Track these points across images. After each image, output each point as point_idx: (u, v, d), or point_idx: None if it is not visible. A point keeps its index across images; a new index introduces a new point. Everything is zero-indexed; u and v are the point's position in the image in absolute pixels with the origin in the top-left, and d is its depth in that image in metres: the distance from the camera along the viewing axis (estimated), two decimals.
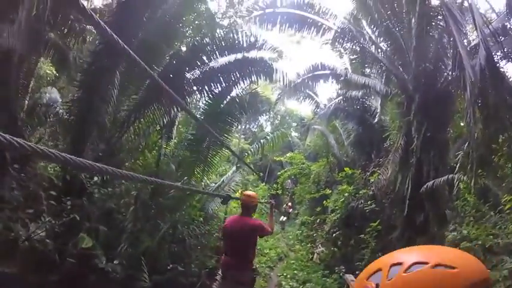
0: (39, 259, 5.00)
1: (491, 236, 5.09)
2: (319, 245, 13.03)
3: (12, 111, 5.44)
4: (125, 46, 1.06)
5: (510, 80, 7.86)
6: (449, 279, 0.68)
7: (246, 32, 8.37)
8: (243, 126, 26.14)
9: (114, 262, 6.02)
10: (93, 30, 7.95)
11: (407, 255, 0.75)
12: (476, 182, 4.91)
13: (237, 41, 7.99)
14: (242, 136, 24.59)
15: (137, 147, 8.19)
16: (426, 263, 0.70)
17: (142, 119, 7.58)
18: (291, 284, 10.13)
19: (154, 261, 6.98)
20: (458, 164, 6.20)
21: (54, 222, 5.32)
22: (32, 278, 4.54)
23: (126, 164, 8.02)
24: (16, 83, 5.82)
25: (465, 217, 5.82)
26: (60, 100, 7.60)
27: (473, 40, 7.97)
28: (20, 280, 4.47)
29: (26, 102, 6.90)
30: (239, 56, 8.01)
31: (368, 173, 11.54)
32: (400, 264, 0.72)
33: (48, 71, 7.81)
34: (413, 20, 8.30)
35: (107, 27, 0.98)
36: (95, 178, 6.59)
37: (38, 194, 5.44)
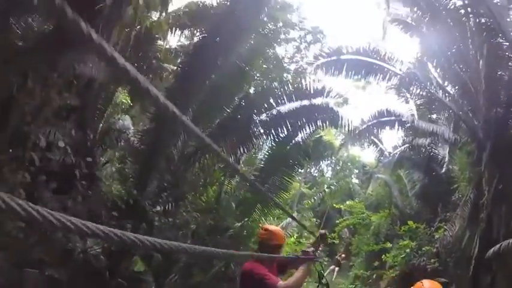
0: (90, 273, 5.26)
1: None
2: None
3: (87, 132, 6.12)
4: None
5: None
6: None
7: (313, 79, 8.64)
8: (304, 170, 26.01)
9: None
10: (169, 69, 8.83)
11: None
12: None
13: (304, 88, 8.31)
14: (302, 180, 24.36)
15: (199, 182, 8.52)
16: None
17: (208, 156, 7.83)
18: None
19: None
20: None
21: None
22: None
23: (188, 196, 8.27)
24: (94, 108, 6.58)
25: None
26: (132, 128, 8.35)
27: None
28: None
29: (101, 125, 7.63)
30: (306, 102, 8.19)
31: (433, 228, 10.79)
32: None
33: (124, 100, 8.69)
34: (481, 62, 7.96)
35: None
36: (158, 207, 6.94)
37: (100, 212, 5.83)
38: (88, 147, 6.14)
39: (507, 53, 7.75)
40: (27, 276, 4.61)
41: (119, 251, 5.86)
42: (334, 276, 14.18)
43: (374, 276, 13.39)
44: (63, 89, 5.41)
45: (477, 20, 7.82)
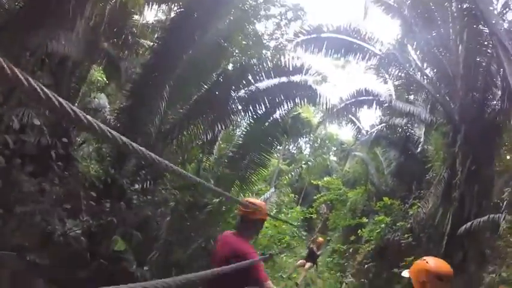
0: (71, 255, 5.21)
1: None
2: (349, 275, 12.56)
3: None
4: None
5: None
6: None
7: (292, 57, 8.50)
8: (282, 147, 26.24)
9: (144, 268, 6.16)
10: (146, 45, 8.50)
11: None
12: None
13: (283, 65, 8.18)
14: (281, 156, 24.56)
15: (178, 159, 8.43)
16: None
17: (186, 133, 7.84)
18: None
19: (183, 274, 7.03)
20: (505, 202, 5.81)
21: (91, 222, 5.58)
22: (61, 272, 4.73)
23: (167, 174, 8.21)
24: (68, 86, 6.33)
25: (506, 259, 5.40)
26: (108, 106, 8.10)
27: None
28: (50, 272, 4.67)
29: (76, 104, 7.38)
30: (284, 79, 8.12)
31: (407, 205, 11.12)
32: None
33: (99, 78, 8.36)
34: (460, 47, 8.08)
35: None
36: (136, 185, 6.86)
37: (78, 193, 5.72)
38: (63, 128, 5.91)
39: (487, 40, 7.79)
40: (4, 260, 4.50)
41: (99, 231, 5.81)
42: (301, 279, 12.47)
43: (351, 250, 13.70)
44: (35, 68, 5.15)
45: (459, 6, 7.87)
